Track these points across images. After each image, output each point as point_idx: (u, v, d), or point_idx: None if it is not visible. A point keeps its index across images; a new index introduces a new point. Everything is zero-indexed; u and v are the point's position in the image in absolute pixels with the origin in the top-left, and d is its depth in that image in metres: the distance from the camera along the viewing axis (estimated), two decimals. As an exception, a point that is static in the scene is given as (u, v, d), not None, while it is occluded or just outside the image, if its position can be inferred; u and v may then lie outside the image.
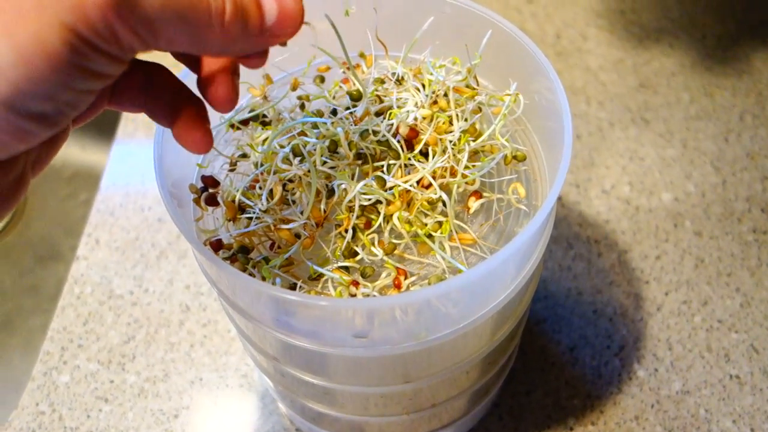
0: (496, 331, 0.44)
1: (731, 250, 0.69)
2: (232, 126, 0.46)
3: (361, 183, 0.39)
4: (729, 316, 0.65)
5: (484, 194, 0.43)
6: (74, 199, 1.10)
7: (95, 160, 0.89)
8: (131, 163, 0.80)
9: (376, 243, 0.41)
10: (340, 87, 0.47)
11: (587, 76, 0.84)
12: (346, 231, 0.41)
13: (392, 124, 0.41)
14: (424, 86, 0.45)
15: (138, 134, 0.81)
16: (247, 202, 0.42)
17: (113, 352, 0.66)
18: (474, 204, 0.42)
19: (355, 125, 0.42)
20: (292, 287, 0.40)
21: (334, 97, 0.47)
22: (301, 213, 0.42)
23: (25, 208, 0.85)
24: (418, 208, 0.41)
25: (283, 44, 0.32)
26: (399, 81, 0.45)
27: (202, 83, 0.33)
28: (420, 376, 0.43)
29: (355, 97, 0.45)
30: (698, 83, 0.82)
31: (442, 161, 0.41)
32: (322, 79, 0.49)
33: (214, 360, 0.65)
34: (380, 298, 0.36)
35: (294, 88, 0.48)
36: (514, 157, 0.44)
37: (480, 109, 0.45)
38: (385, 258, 0.41)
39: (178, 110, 0.34)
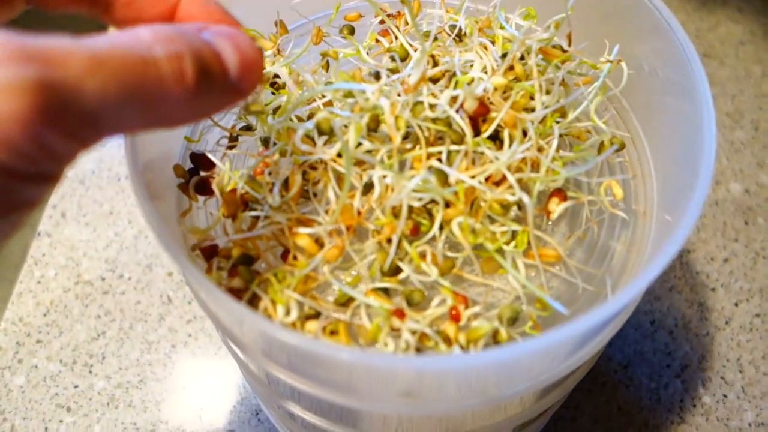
0: (574, 372, 0.34)
1: (812, 254, 0.59)
2: (233, 88, 0.35)
3: (416, 179, 0.28)
4: (811, 334, 0.56)
5: (570, 194, 0.32)
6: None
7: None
8: (107, 121, 0.68)
9: (428, 258, 0.30)
10: (378, 42, 0.36)
11: (641, 41, 0.73)
12: (389, 241, 0.30)
13: (456, 96, 0.30)
14: (493, 45, 0.33)
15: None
16: (253, 193, 0.31)
17: (79, 350, 0.55)
18: (557, 208, 0.32)
19: (404, 95, 0.30)
20: (313, 316, 0.29)
21: (368, 54, 0.36)
22: (327, 213, 0.31)
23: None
24: (485, 212, 0.30)
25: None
26: (460, 37, 0.34)
27: None
28: (469, 430, 0.33)
29: (401, 57, 0.34)
30: (771, 55, 0.71)
31: (523, 149, 0.30)
32: (351, 31, 0.38)
33: (199, 364, 0.54)
34: (439, 359, 0.25)
35: (317, 41, 0.36)
36: (612, 146, 0.33)
37: (564, 80, 0.34)
38: (440, 280, 0.30)
39: None
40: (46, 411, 0.52)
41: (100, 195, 0.63)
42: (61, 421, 0.52)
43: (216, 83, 0.23)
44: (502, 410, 0.33)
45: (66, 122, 0.19)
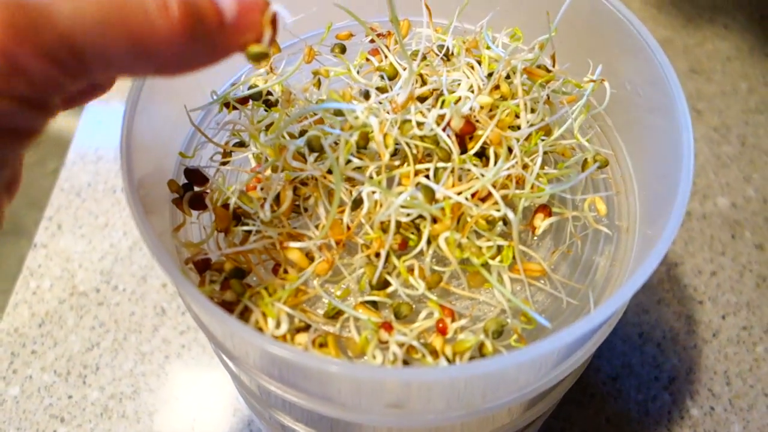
0: (558, 385, 0.34)
1: (797, 267, 0.60)
2: (226, 105, 0.36)
3: (404, 195, 0.29)
4: (796, 347, 0.56)
5: (554, 210, 0.33)
6: (41, 168, 0.99)
7: (64, 126, 0.78)
8: (103, 134, 0.69)
9: (415, 272, 0.31)
10: (368, 60, 0.37)
11: (630, 56, 0.74)
12: (377, 255, 0.31)
13: (443, 115, 0.31)
14: (480, 64, 0.34)
15: (113, 101, 0.70)
16: (245, 208, 0.32)
17: (73, 361, 0.55)
18: (542, 223, 0.32)
19: (393, 113, 0.31)
20: (303, 328, 0.30)
21: (358, 73, 0.36)
22: (317, 227, 0.31)
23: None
24: (471, 227, 0.31)
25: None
26: (447, 57, 0.35)
27: None
28: (459, 439, 0.34)
29: (390, 76, 0.34)
30: (758, 71, 0.72)
31: (508, 167, 0.31)
32: (343, 49, 0.39)
33: (192, 375, 0.55)
34: (426, 371, 0.26)
35: (309, 60, 0.37)
36: (595, 163, 0.34)
37: (549, 99, 0.35)
38: (427, 293, 0.30)
39: None
40: (40, 421, 0.53)
41: (95, 207, 0.63)
42: (54, 432, 0.52)
43: (209, 23, 0.22)
44: (490, 421, 0.34)
45: (39, 42, 0.19)
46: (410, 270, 0.31)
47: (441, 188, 0.30)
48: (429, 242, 0.31)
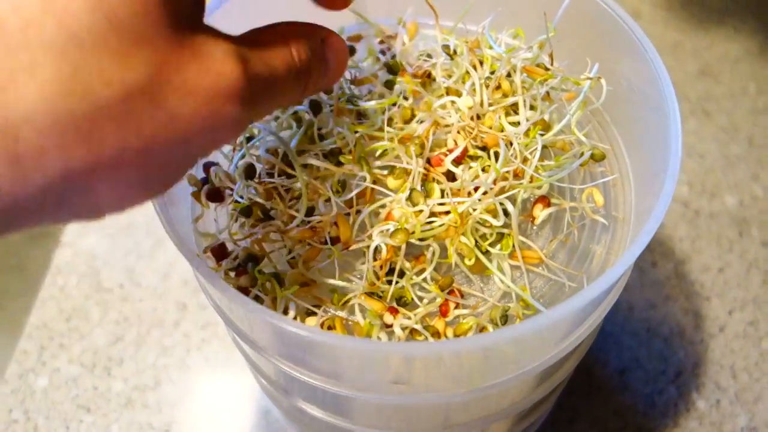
0: (560, 368, 0.36)
1: (804, 264, 0.61)
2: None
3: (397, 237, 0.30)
4: (802, 342, 0.57)
5: (553, 201, 0.35)
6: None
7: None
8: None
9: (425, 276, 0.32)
10: (377, 59, 0.39)
11: (640, 59, 0.75)
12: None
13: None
14: (482, 63, 0.36)
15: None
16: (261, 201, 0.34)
17: (98, 354, 0.58)
18: (541, 213, 0.34)
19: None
20: (312, 311, 0.32)
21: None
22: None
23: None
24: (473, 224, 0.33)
25: None
26: (451, 56, 0.37)
27: None
28: (462, 421, 0.35)
29: (396, 71, 0.36)
30: (766, 72, 0.73)
31: (505, 173, 0.32)
32: (353, 51, 0.41)
33: (212, 368, 0.57)
34: (426, 344, 0.28)
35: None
36: (591, 157, 0.35)
37: (549, 95, 0.37)
38: (437, 293, 0.32)
39: None
40: (67, 411, 0.55)
41: (119, 207, 0.66)
42: (81, 421, 0.55)
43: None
44: (494, 403, 0.35)
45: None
46: (420, 272, 0.33)
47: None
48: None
